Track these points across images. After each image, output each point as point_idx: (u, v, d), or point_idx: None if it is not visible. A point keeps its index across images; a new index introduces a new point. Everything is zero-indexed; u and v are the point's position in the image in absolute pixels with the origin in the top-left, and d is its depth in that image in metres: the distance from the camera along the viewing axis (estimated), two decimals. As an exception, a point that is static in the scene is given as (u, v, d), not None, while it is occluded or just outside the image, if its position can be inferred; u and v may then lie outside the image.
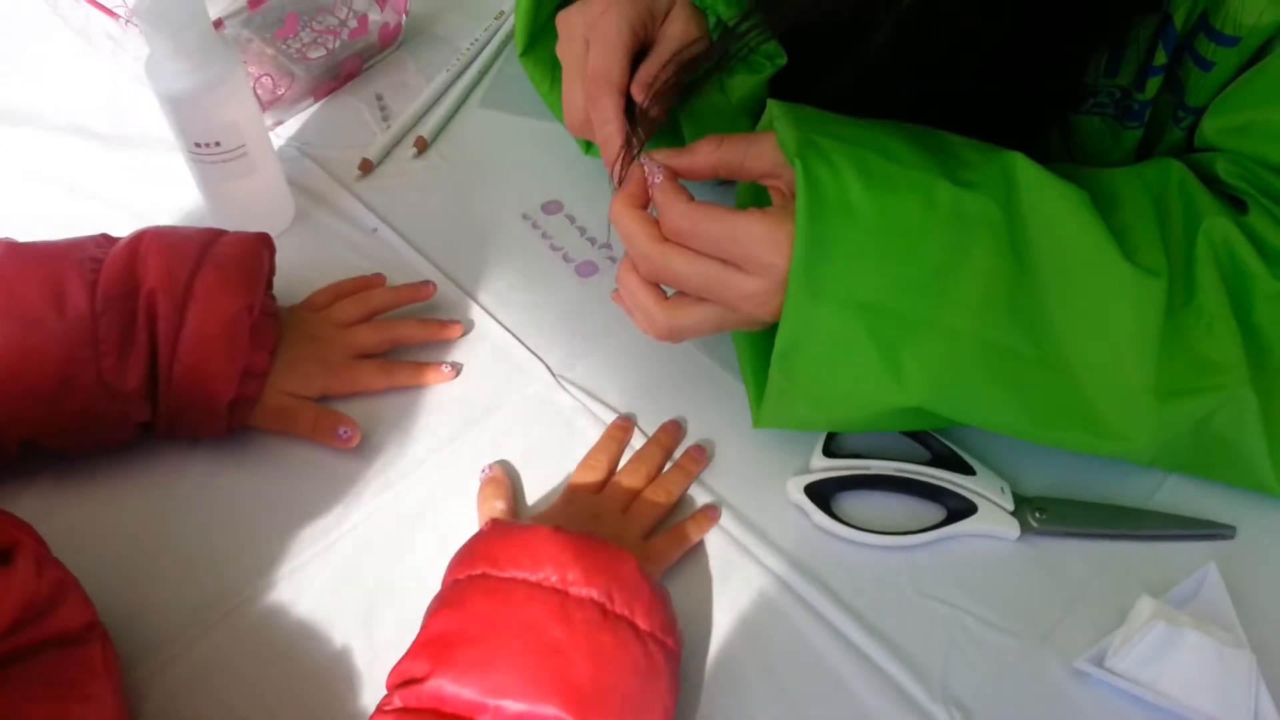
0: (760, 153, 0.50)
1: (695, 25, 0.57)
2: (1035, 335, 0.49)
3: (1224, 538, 0.56)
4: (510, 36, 0.84)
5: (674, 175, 0.51)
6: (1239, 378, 0.50)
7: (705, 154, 0.51)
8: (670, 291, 0.52)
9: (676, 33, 0.57)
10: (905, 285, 0.47)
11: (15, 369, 0.53)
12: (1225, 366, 0.50)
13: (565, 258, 0.70)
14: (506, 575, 0.46)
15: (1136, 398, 0.49)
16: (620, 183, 0.53)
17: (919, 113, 0.55)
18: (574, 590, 0.45)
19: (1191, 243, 0.51)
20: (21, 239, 0.58)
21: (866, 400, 0.50)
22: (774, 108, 0.51)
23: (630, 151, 0.54)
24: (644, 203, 0.51)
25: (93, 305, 0.55)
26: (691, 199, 0.49)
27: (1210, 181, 0.54)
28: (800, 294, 0.47)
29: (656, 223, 0.50)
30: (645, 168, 0.51)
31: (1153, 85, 0.55)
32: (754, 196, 0.57)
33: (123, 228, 0.60)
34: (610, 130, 0.55)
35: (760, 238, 0.47)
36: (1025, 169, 0.49)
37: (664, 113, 0.56)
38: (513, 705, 0.42)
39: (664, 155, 0.51)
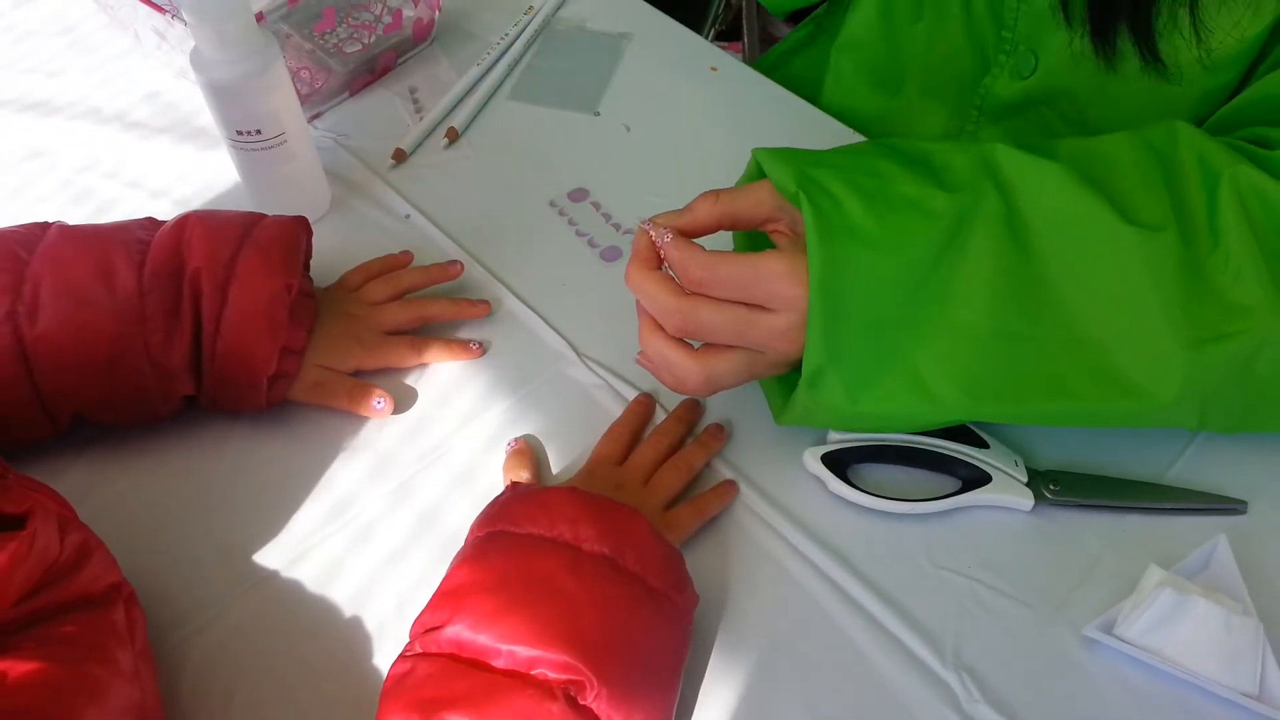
0: (758, 200, 0.52)
1: None
2: (1051, 313, 0.50)
3: (1236, 512, 0.57)
4: (538, 32, 0.87)
5: (681, 233, 0.53)
6: (1272, 318, 0.49)
7: (705, 210, 0.53)
8: (696, 346, 0.53)
9: None
10: (916, 296, 0.49)
11: (68, 345, 0.56)
12: (1257, 308, 0.49)
13: (590, 243, 0.72)
14: (523, 532, 0.48)
15: (1169, 352, 0.49)
16: None
17: None
18: (586, 546, 0.47)
19: (1213, 192, 0.51)
20: (72, 223, 0.61)
21: (899, 416, 0.52)
22: (759, 155, 0.53)
23: None
24: (657, 265, 0.53)
25: (140, 284, 0.57)
26: (705, 250, 0.51)
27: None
28: (821, 318, 0.48)
29: (674, 281, 0.52)
30: (651, 233, 0.53)
31: None
32: (750, 247, 0.59)
33: (167, 214, 0.63)
34: None
35: (779, 273, 0.49)
36: (1006, 157, 0.51)
37: None
38: (524, 650, 0.44)
39: (666, 219, 0.53)
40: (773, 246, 0.54)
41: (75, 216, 0.62)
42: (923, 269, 0.49)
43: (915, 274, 0.49)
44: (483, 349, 0.65)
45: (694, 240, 0.52)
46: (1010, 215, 0.50)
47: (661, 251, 0.52)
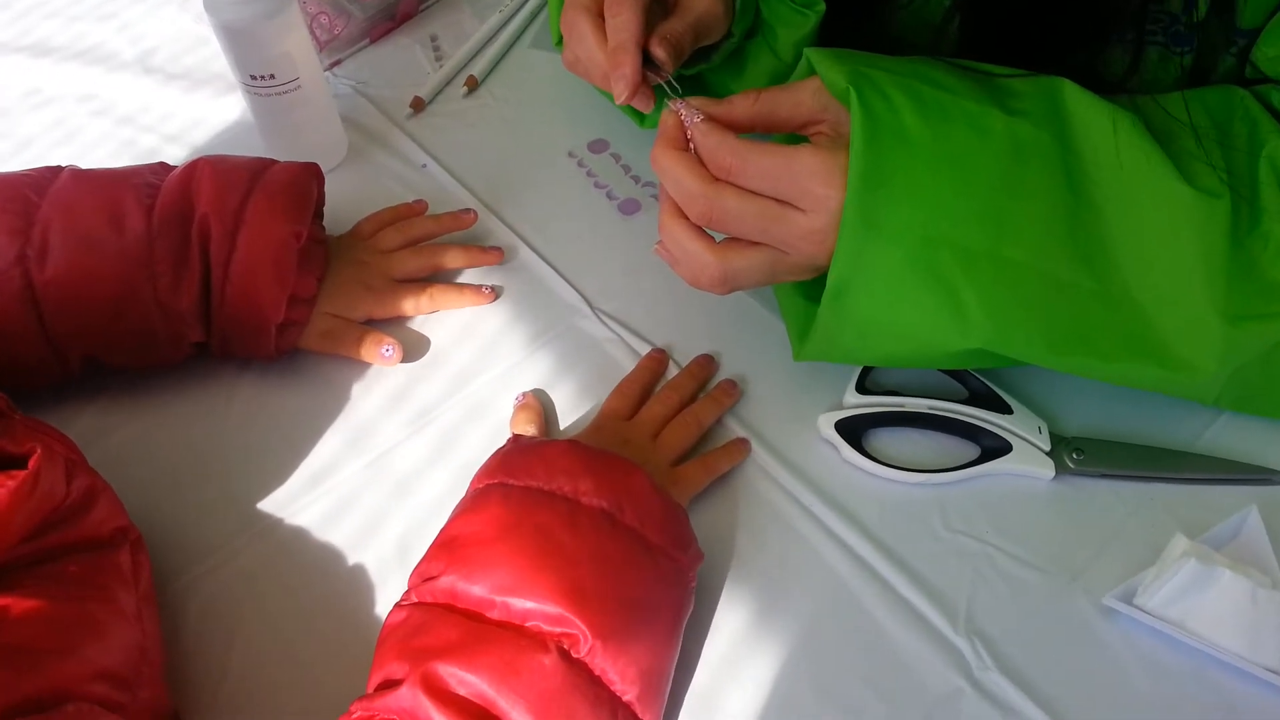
0: (801, 100, 0.49)
1: (720, 4, 0.57)
2: (1095, 266, 0.47)
3: (1270, 482, 0.54)
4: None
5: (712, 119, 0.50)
6: None
7: (743, 107, 0.50)
8: (719, 238, 0.50)
9: (701, 8, 0.56)
10: (963, 216, 0.46)
11: (76, 287, 0.56)
12: None
13: (609, 195, 0.71)
14: (521, 485, 0.47)
15: (1205, 323, 0.47)
16: (628, 92, 0.53)
17: (972, 46, 0.53)
18: (585, 500, 0.46)
19: (1254, 168, 0.49)
20: (85, 167, 0.61)
21: (924, 339, 0.49)
22: (811, 54, 0.49)
23: (642, 67, 0.53)
24: (684, 147, 0.50)
25: (149, 228, 0.57)
26: (736, 137, 0.48)
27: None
28: (855, 226, 0.45)
29: (701, 165, 0.49)
30: (682, 112, 0.49)
31: (1202, 7, 0.53)
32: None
33: (181, 159, 0.63)
34: (624, 38, 0.52)
35: (814, 170, 0.46)
36: (1073, 96, 0.48)
37: (673, 65, 0.55)
38: (518, 602, 0.43)
39: (700, 103, 0.50)
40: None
41: (90, 160, 0.62)
42: (970, 188, 0.46)
43: (962, 192, 0.46)
44: (495, 293, 0.64)
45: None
46: (1068, 156, 0.47)
47: (690, 134, 0.49)
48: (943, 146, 0.45)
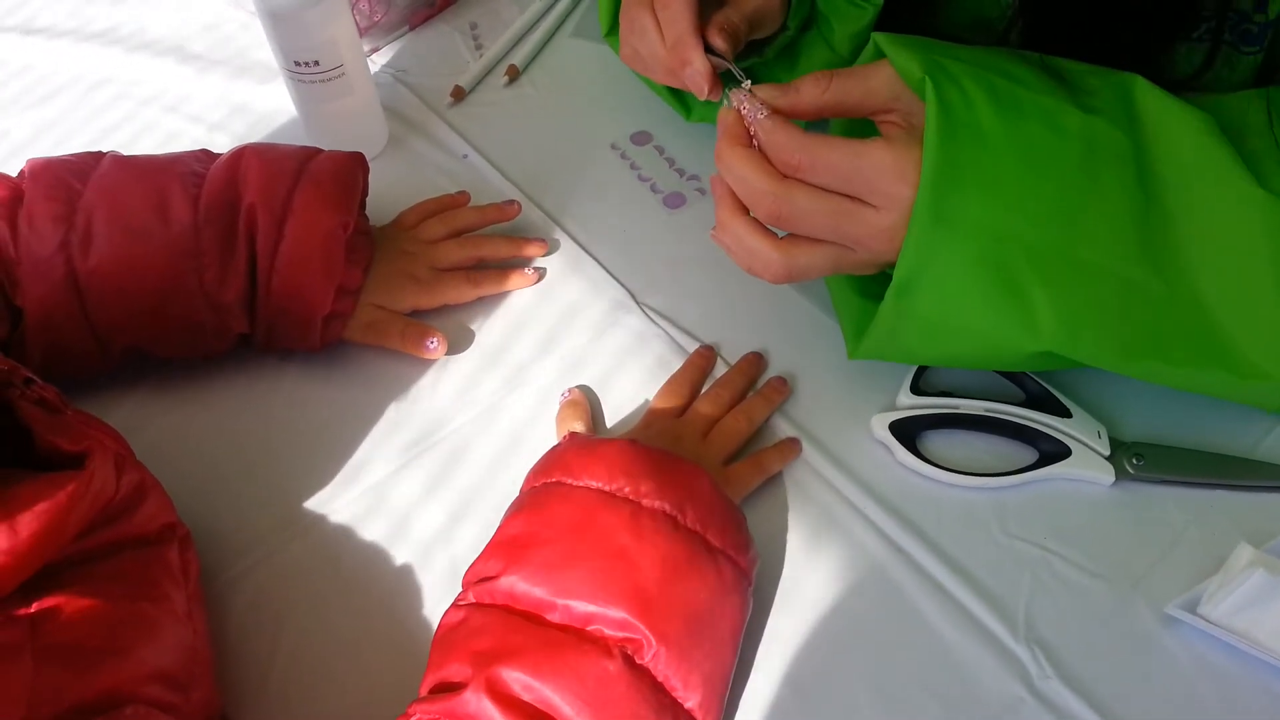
0: (874, 86, 0.48)
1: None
2: (1166, 269, 0.46)
3: (1336, 491, 0.53)
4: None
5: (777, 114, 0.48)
6: None
7: (812, 93, 0.48)
8: (780, 233, 0.49)
9: (758, 0, 0.56)
10: (1036, 215, 0.45)
11: (121, 278, 0.55)
12: None
13: (653, 188, 0.69)
14: (580, 484, 0.46)
15: (1277, 329, 0.46)
16: (707, 85, 0.53)
17: (1035, 42, 0.52)
18: (646, 502, 0.45)
19: None
20: (124, 153, 0.60)
21: (991, 340, 0.48)
22: (881, 40, 0.48)
23: (706, 55, 0.53)
24: (747, 142, 0.48)
25: (195, 217, 0.56)
26: (803, 131, 0.47)
27: None
28: (926, 222, 0.44)
29: (768, 162, 0.47)
30: (744, 107, 0.48)
31: (1275, 5, 0.52)
32: (848, 131, 0.55)
33: (221, 147, 0.61)
34: (680, 30, 0.53)
35: (886, 166, 0.45)
36: (1145, 94, 0.47)
37: (730, 55, 0.55)
38: (581, 606, 0.42)
39: (765, 93, 0.49)
40: (875, 132, 0.50)
41: (131, 148, 0.61)
42: (1044, 187, 0.45)
43: (1036, 191, 0.45)
44: (539, 275, 0.64)
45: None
46: (1141, 156, 0.46)
47: (753, 130, 0.48)
48: (1017, 143, 0.44)
